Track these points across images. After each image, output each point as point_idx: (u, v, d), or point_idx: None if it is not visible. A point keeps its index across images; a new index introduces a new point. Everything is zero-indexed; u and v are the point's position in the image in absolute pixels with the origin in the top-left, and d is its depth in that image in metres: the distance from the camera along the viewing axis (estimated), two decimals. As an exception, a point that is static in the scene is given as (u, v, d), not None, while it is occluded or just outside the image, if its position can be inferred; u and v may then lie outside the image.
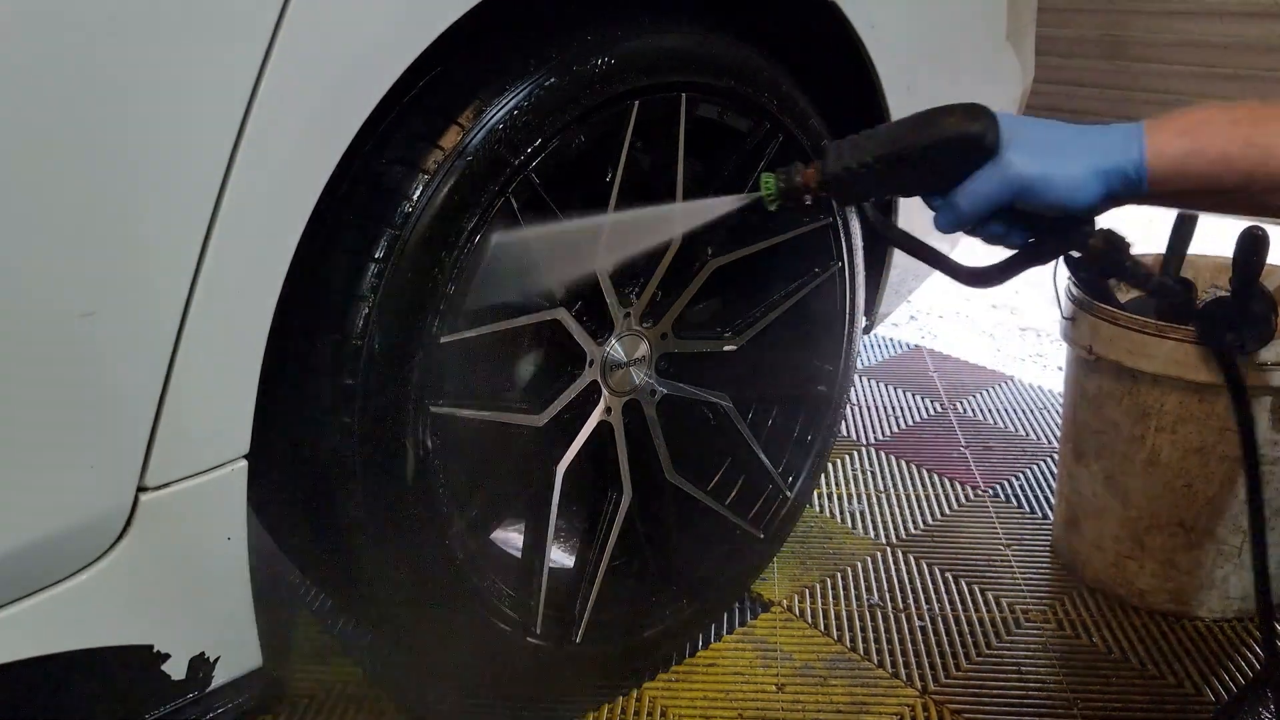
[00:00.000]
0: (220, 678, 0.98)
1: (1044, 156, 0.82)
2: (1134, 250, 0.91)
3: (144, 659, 0.92)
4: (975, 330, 2.80)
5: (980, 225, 0.87)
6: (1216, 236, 1.74)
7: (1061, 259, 0.99)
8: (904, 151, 0.84)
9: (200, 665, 0.96)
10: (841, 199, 0.90)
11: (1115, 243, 0.88)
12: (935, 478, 1.96)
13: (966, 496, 1.90)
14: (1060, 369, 2.38)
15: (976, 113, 0.82)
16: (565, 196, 1.20)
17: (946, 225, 0.87)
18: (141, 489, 0.87)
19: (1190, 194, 0.83)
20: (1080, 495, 1.61)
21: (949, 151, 0.82)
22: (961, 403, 2.30)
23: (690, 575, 1.42)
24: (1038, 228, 0.86)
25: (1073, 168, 0.81)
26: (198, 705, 0.97)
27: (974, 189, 0.83)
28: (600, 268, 1.18)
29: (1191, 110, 0.84)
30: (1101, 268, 0.89)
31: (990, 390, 2.36)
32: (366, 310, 0.98)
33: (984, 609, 1.57)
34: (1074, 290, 1.55)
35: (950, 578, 1.65)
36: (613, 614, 1.34)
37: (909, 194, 0.88)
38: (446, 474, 1.11)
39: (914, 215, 0.94)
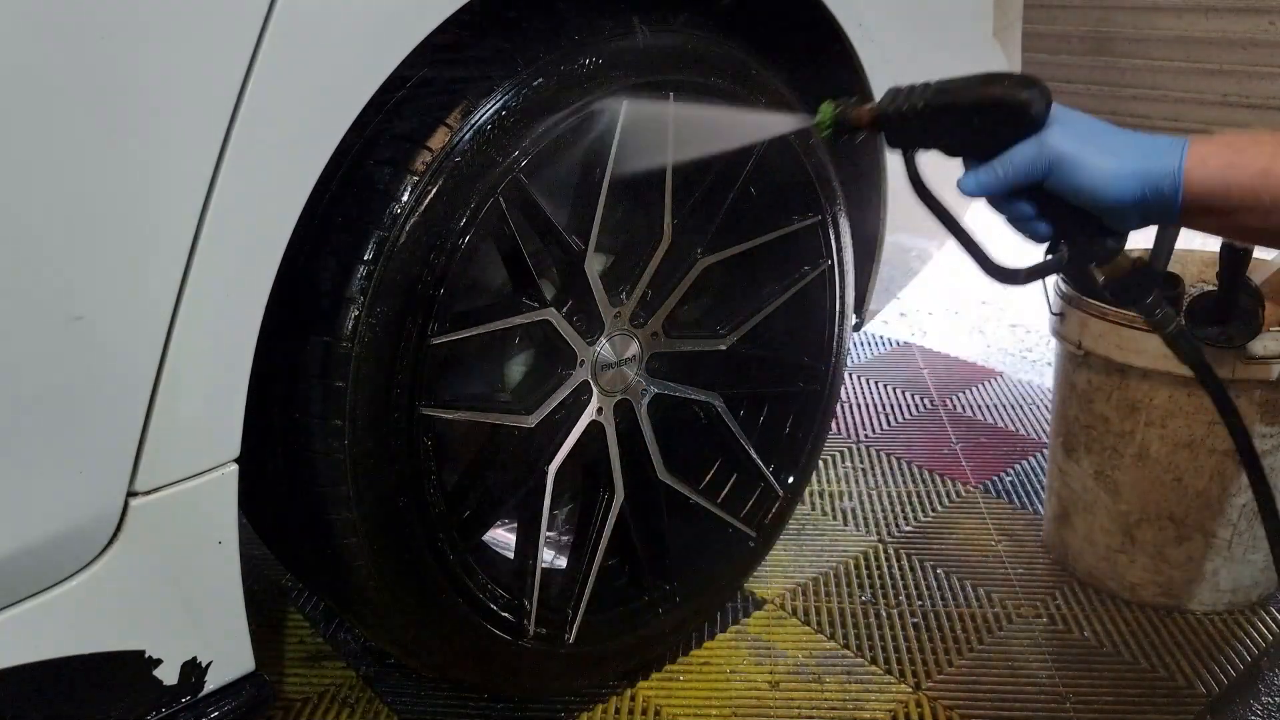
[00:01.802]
0: (213, 683, 0.98)
1: (1085, 141, 0.82)
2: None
3: (135, 665, 0.92)
4: (965, 326, 2.81)
5: (1009, 201, 0.86)
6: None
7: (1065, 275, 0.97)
8: (954, 105, 0.85)
9: (192, 670, 0.96)
10: (890, 140, 0.91)
11: (1144, 271, 0.87)
12: (926, 474, 1.97)
13: (957, 492, 1.90)
14: (1050, 364, 2.39)
15: (1029, 83, 0.83)
16: (555, 196, 1.20)
17: (976, 186, 0.86)
18: (131, 494, 0.87)
19: (1226, 212, 0.81)
20: (1071, 490, 1.62)
21: (996, 114, 0.83)
22: (952, 399, 2.30)
23: (683, 574, 1.42)
24: (1068, 225, 0.86)
25: (1109, 159, 0.81)
26: (190, 711, 0.97)
27: (1010, 156, 0.83)
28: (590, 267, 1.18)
29: (1242, 131, 0.83)
30: (1122, 293, 0.88)
31: (980, 386, 2.37)
32: (356, 312, 0.98)
33: (976, 605, 1.58)
34: (1063, 286, 1.56)
35: (942, 574, 1.65)
36: (606, 614, 1.34)
37: (954, 152, 0.88)
38: (438, 475, 1.11)
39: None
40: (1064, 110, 0.84)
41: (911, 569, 1.67)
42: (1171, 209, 0.81)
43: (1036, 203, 0.85)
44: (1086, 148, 0.81)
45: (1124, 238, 0.85)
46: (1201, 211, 0.82)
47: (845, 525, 1.80)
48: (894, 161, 1.50)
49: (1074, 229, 0.85)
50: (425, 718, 1.34)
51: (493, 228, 1.08)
